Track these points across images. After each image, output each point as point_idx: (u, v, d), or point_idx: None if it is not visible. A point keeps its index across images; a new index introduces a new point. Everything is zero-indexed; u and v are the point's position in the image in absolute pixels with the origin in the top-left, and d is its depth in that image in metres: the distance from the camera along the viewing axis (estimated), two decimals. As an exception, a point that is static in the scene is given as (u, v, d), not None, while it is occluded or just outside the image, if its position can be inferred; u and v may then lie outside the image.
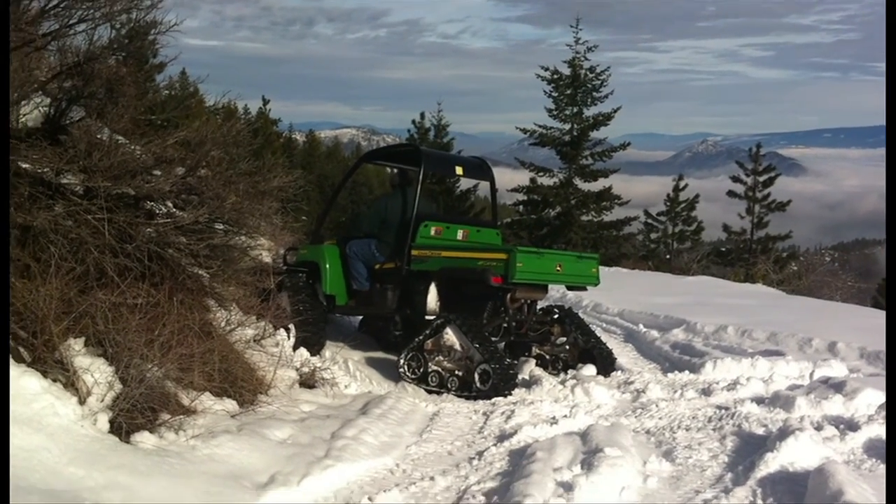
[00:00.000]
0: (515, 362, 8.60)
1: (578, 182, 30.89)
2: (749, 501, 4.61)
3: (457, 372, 7.93)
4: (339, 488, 5.03)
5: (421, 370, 8.07)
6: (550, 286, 9.40)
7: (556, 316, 9.05)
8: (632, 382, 8.03)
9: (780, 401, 6.78)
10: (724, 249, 33.17)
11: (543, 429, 6.20)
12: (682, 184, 34.48)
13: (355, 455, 5.49)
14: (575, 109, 30.82)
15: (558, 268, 8.41)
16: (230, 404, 6.05)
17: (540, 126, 31.21)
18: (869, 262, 58.14)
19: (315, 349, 8.55)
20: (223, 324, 7.06)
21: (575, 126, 30.81)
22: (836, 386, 6.90)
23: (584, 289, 9.26)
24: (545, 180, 30.97)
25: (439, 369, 8.01)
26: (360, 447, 5.66)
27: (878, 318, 12.79)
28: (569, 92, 30.72)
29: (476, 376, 7.75)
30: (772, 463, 5.03)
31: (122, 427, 4.85)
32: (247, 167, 7.31)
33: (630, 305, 12.62)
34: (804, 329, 10.01)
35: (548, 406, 7.09)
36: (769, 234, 32.87)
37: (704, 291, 15.18)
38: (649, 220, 34.44)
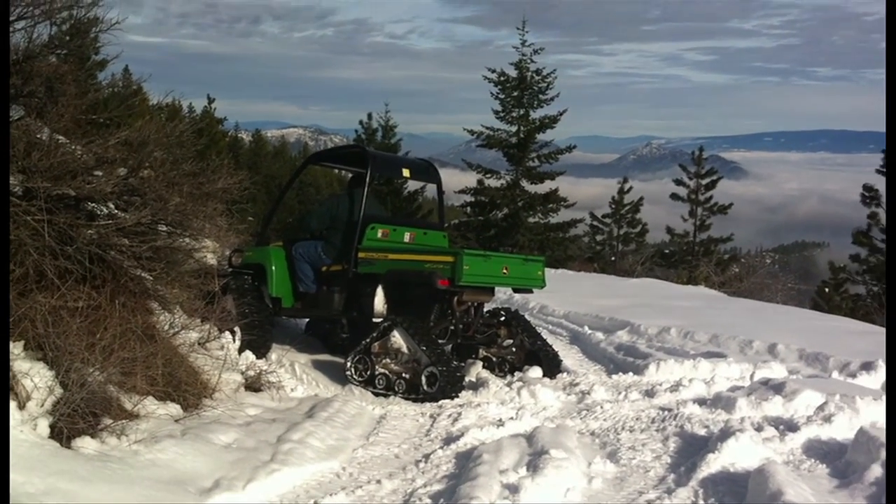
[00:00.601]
0: (462, 365, 8.65)
1: (525, 184, 31.06)
2: (691, 502, 4.69)
3: (404, 375, 7.92)
4: (284, 492, 5.00)
5: (368, 373, 8.05)
6: (497, 289, 9.43)
7: (502, 318, 9.08)
8: (577, 384, 8.11)
9: (721, 402, 6.89)
10: (667, 251, 33.62)
11: (490, 431, 6.23)
12: (626, 186, 34.90)
13: (301, 459, 5.47)
14: (521, 111, 30.98)
15: (504, 271, 8.45)
16: (174, 408, 5.98)
17: (487, 128, 31.32)
18: (808, 264, 59.37)
19: (262, 352, 8.48)
20: (167, 327, 6.96)
21: (521, 128, 30.98)
22: (776, 387, 7.04)
23: (531, 291, 9.32)
24: (492, 182, 31.09)
25: (386, 372, 7.99)
26: (306, 451, 5.63)
27: (817, 319, 13.10)
28: (515, 94, 30.87)
29: (423, 379, 7.75)
30: (713, 464, 5.12)
31: (63, 432, 4.77)
32: (191, 168, 7.22)
33: (575, 307, 12.73)
34: (745, 331, 10.19)
35: (494, 408, 7.12)
36: (711, 236, 33.43)
37: (648, 293, 15.37)
38: (595, 223, 34.80)
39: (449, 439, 6.19)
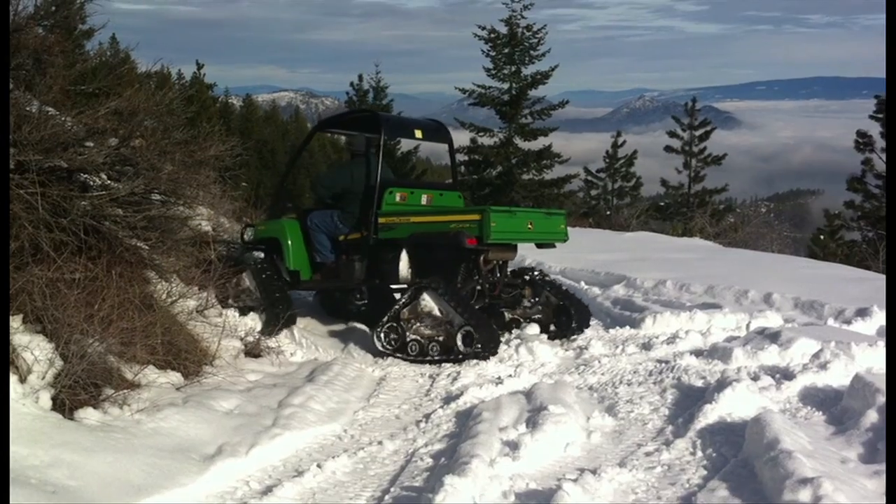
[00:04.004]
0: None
1: (518, 141, 30.92)
2: (689, 452, 4.75)
3: (437, 338, 7.76)
4: (287, 456, 5.06)
5: (399, 341, 7.87)
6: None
7: (526, 278, 8.88)
8: (574, 339, 8.17)
9: (717, 353, 6.96)
10: (662, 204, 33.59)
11: (489, 389, 6.29)
12: (620, 140, 34.78)
13: (303, 423, 5.52)
14: (513, 68, 30.74)
15: (529, 226, 8.30)
16: (175, 377, 6.02)
17: (479, 86, 31.09)
18: (803, 212, 59.40)
19: (288, 324, 8.34)
20: (164, 296, 6.99)
21: (513, 85, 30.76)
22: (772, 336, 7.10)
23: (553, 246, 9.02)
24: (485, 140, 30.95)
25: (418, 337, 7.82)
26: (307, 415, 5.68)
27: (812, 267, 13.14)
28: (506, 51, 30.62)
29: (458, 339, 7.61)
30: (710, 414, 5.19)
31: (65, 404, 4.81)
32: (182, 136, 7.20)
33: (571, 263, 12.74)
34: (740, 281, 10.23)
35: (493, 366, 7.19)
36: (706, 187, 33.40)
37: (644, 247, 15.38)
38: (589, 178, 34.73)
39: (449, 398, 6.25)
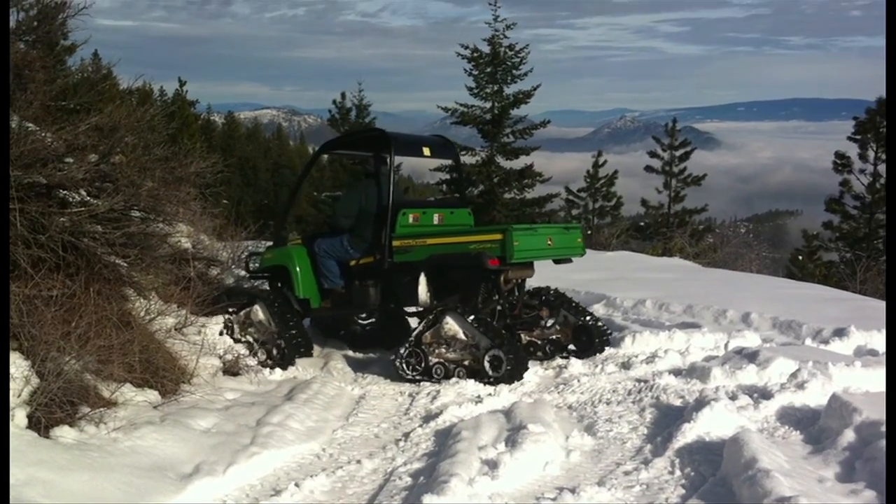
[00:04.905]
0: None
1: (500, 160, 30.98)
2: (668, 471, 4.76)
3: (463, 362, 7.53)
4: (265, 475, 5.03)
5: (422, 365, 7.62)
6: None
7: (542, 298, 8.59)
8: (553, 358, 8.17)
9: (696, 372, 6.98)
10: (642, 224, 33.72)
11: (468, 408, 6.29)
12: (601, 160, 34.89)
13: (281, 441, 5.50)
14: (495, 87, 30.84)
15: (549, 242, 8.10)
16: (152, 395, 5.98)
17: (461, 104, 31.16)
18: (781, 233, 59.88)
19: (306, 354, 8.29)
20: (143, 313, 6.94)
21: (496, 104, 30.86)
22: (750, 356, 7.13)
23: (570, 261, 8.66)
24: (467, 159, 30.95)
25: (442, 361, 7.60)
26: (285, 433, 5.66)
27: (790, 287, 13.22)
28: (489, 70, 30.73)
29: (486, 363, 7.36)
30: (689, 433, 5.20)
31: (41, 422, 4.77)
32: (163, 152, 7.18)
33: (552, 282, 12.70)
34: (719, 301, 10.28)
35: (472, 385, 7.17)
36: (686, 207, 33.55)
37: (624, 266, 15.42)
38: (570, 197, 34.81)
39: (428, 417, 6.25)
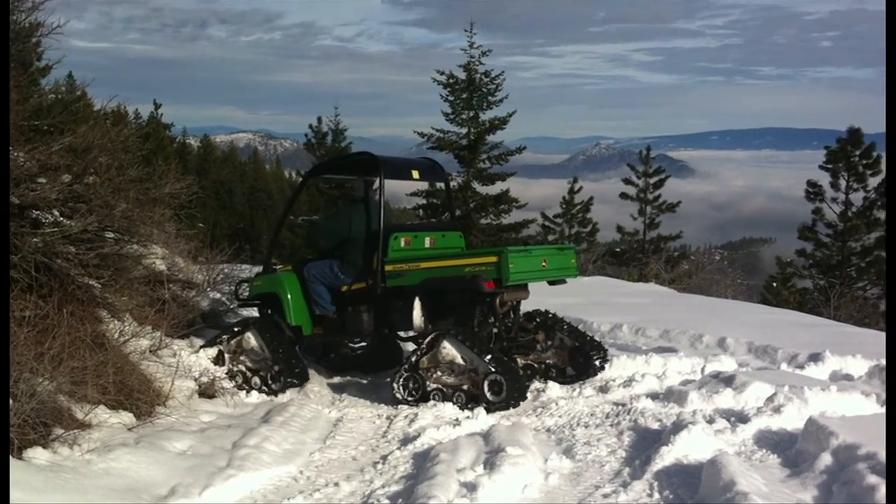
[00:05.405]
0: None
1: (476, 185, 31.10)
2: (646, 494, 4.75)
3: (462, 386, 7.41)
4: (241, 498, 4.98)
5: (420, 391, 7.51)
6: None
7: (537, 321, 8.53)
8: (532, 382, 8.14)
9: (673, 396, 6.99)
10: (618, 250, 33.90)
11: (446, 430, 6.25)
12: (576, 186, 35.13)
13: (258, 464, 5.43)
14: (471, 113, 30.99)
15: (544, 263, 8.00)
16: (126, 417, 5.91)
17: (437, 130, 31.27)
18: (755, 260, 60.36)
19: (302, 382, 8.13)
20: (117, 335, 6.87)
21: (472, 130, 30.99)
22: (727, 380, 7.15)
23: (564, 282, 8.54)
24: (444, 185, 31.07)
25: (440, 386, 7.48)
26: (262, 455, 5.60)
27: (765, 313, 13.30)
28: (465, 96, 30.89)
29: (485, 388, 7.25)
30: (667, 456, 5.19)
31: (14, 443, 4.70)
32: (137, 173, 7.13)
33: (529, 306, 12.74)
34: (695, 326, 10.32)
35: (450, 407, 7.14)
36: (661, 234, 33.83)
37: (600, 291, 15.47)
38: (546, 223, 34.97)
39: (406, 440, 6.20)
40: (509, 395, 7.17)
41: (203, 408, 6.91)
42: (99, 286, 6.70)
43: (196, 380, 7.38)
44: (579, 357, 8.20)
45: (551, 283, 8.46)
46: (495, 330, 8.05)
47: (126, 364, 6.52)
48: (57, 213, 6.45)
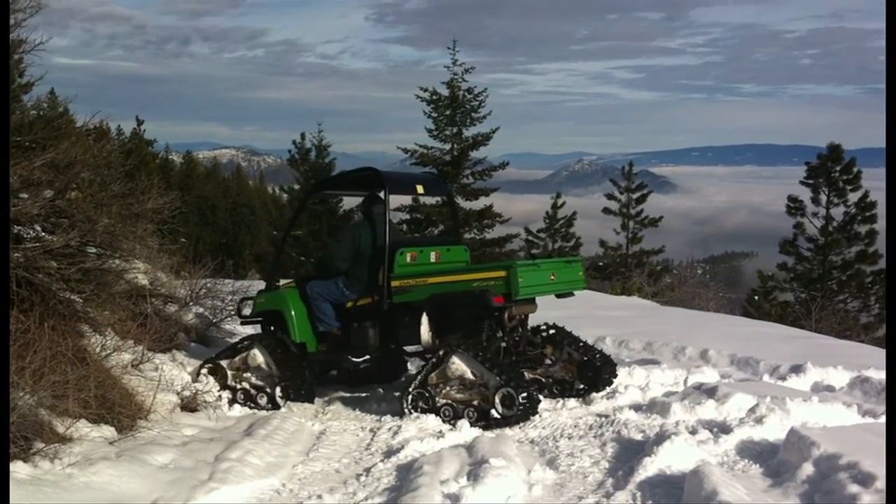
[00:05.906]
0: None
1: (460, 201, 31.19)
2: (630, 504, 4.75)
3: (472, 402, 7.27)
4: (224, 511, 4.95)
5: (429, 407, 7.38)
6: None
7: (545, 335, 8.41)
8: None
9: (656, 407, 7.02)
10: (601, 264, 34.02)
11: (430, 443, 6.25)
12: (560, 201, 35.26)
13: (240, 477, 5.41)
14: (454, 130, 31.13)
15: (552, 277, 7.92)
16: (108, 431, 5.88)
17: (421, 146, 31.38)
18: (737, 274, 60.59)
19: (310, 398, 8.13)
20: (98, 349, 6.83)
21: (455, 146, 31.12)
22: (709, 391, 7.19)
23: (572, 294, 8.44)
24: (427, 199, 31.12)
25: (450, 402, 7.34)
26: (245, 469, 5.57)
27: (747, 325, 13.39)
28: (448, 112, 31.02)
29: (497, 402, 7.10)
30: (650, 467, 5.21)
31: (-7, 457, 4.65)
32: (119, 189, 7.11)
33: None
34: (678, 338, 10.38)
35: (434, 420, 7.13)
36: (643, 248, 34.01)
37: (584, 304, 15.47)
38: (530, 237, 35.07)
39: (389, 452, 6.20)
40: (522, 408, 7.04)
41: (185, 421, 6.89)
42: (81, 301, 6.67)
43: (178, 393, 7.36)
44: (588, 371, 8.10)
45: (559, 296, 8.37)
46: (503, 344, 7.94)
47: (108, 378, 6.48)
48: (39, 228, 6.43)
